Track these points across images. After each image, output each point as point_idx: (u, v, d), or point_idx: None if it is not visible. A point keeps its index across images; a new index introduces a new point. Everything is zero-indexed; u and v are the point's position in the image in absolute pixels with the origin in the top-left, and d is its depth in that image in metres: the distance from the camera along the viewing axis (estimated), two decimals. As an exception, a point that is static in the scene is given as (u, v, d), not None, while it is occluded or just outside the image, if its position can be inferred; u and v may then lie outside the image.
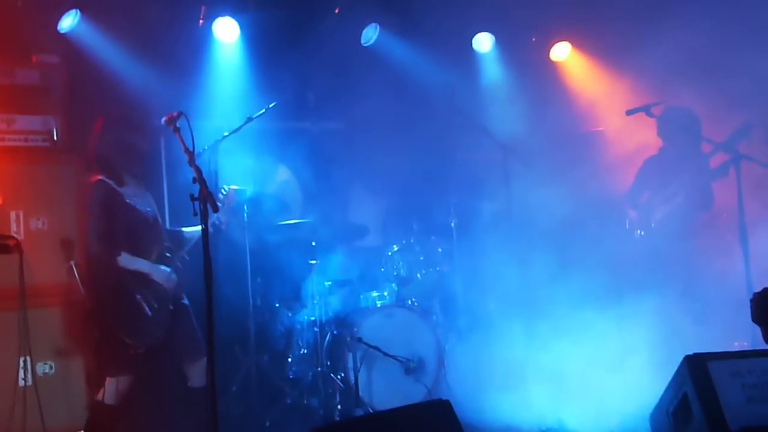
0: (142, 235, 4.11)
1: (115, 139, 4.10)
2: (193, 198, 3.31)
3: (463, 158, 7.09)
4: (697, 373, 3.74)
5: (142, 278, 4.04)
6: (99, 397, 4.03)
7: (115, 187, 4.07)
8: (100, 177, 4.07)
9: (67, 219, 5.24)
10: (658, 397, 4.16)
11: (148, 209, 4.20)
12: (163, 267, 4.13)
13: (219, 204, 3.60)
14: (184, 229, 4.46)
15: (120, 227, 4.03)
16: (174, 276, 4.13)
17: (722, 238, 5.84)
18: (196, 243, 4.22)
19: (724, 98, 5.62)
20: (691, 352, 4.07)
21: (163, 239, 4.24)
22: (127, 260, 4.01)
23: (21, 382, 4.92)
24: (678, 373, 3.92)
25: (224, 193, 4.44)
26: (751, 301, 2.99)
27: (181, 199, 3.44)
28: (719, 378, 3.72)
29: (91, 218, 4.00)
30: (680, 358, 3.89)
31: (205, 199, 3.27)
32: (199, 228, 4.17)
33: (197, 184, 3.34)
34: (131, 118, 4.23)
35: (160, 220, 4.29)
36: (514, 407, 5.05)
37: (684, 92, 5.77)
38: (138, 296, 3.99)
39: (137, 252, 4.05)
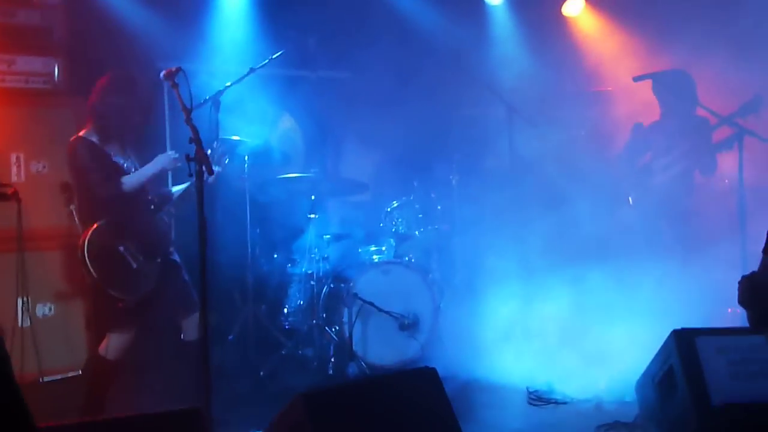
0: None
1: (114, 101, 4.09)
2: (189, 158, 3.30)
3: (466, 114, 7.02)
4: (683, 347, 3.81)
5: (136, 222, 4.07)
6: (100, 351, 4.09)
7: (97, 142, 4.08)
8: (81, 134, 4.08)
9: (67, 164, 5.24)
10: (646, 364, 4.24)
11: (130, 167, 4.21)
12: (160, 155, 4.19)
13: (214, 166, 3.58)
14: (173, 188, 4.47)
15: (110, 170, 4.07)
16: (177, 159, 4.16)
17: (722, 204, 5.83)
18: (189, 195, 4.22)
19: (740, 70, 5.52)
20: (683, 319, 4.15)
21: (147, 193, 4.24)
22: (130, 180, 4.07)
23: (20, 323, 5.01)
24: (665, 345, 3.99)
25: (214, 145, 4.43)
26: (738, 283, 2.98)
27: (183, 151, 3.43)
28: (705, 353, 3.79)
29: (86, 171, 4.02)
30: (671, 327, 3.95)
31: (201, 160, 3.26)
32: (184, 185, 4.26)
33: (194, 143, 3.31)
34: (134, 82, 4.18)
35: None
36: (504, 367, 5.14)
37: (697, 59, 5.66)
38: (121, 248, 4.00)
39: (122, 205, 4.07)
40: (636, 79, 5.40)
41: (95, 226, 3.96)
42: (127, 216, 4.09)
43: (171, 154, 4.22)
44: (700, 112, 5.49)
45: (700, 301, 5.20)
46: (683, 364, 3.77)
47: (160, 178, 4.38)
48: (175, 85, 3.59)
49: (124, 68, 4.41)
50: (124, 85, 4.16)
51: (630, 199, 5.81)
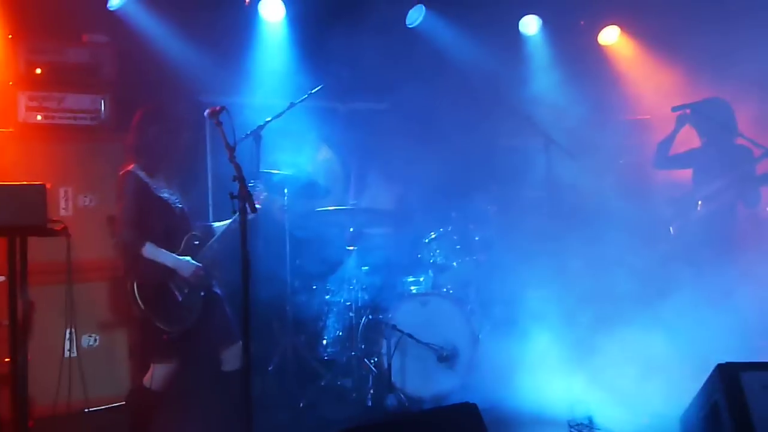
0: (169, 224, 4.20)
1: (153, 132, 4.19)
2: (232, 196, 3.37)
3: (504, 145, 7.05)
4: (728, 382, 3.74)
5: (167, 268, 4.13)
6: (144, 381, 4.16)
7: (145, 178, 4.16)
8: (130, 168, 4.17)
9: (113, 196, 5.32)
10: (690, 400, 4.18)
11: (177, 201, 4.29)
12: (187, 259, 4.18)
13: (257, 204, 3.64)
14: (214, 223, 4.55)
15: (149, 216, 4.13)
16: (202, 271, 4.19)
17: (766, 235, 5.76)
18: (231, 232, 4.28)
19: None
20: (726, 357, 4.08)
21: (191, 229, 4.32)
22: (151, 251, 4.09)
23: (66, 354, 5.12)
24: (710, 380, 3.92)
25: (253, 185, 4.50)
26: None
27: (225, 196, 3.50)
28: (751, 389, 3.71)
29: (123, 207, 4.11)
30: (716, 361, 3.88)
31: (244, 198, 3.33)
32: (227, 222, 4.32)
33: (236, 181, 3.39)
34: (170, 113, 4.28)
35: (187, 213, 4.37)
36: (545, 399, 5.10)
37: (735, 89, 5.64)
38: (169, 282, 4.09)
39: (165, 241, 4.15)
40: (674, 109, 5.39)
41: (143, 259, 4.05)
42: (172, 250, 4.17)
43: (198, 267, 4.19)
44: (742, 141, 5.44)
45: (745, 335, 5.13)
46: (728, 400, 3.70)
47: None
48: (219, 123, 3.68)
49: (155, 101, 4.49)
50: (157, 117, 4.25)
51: (671, 228, 5.76)
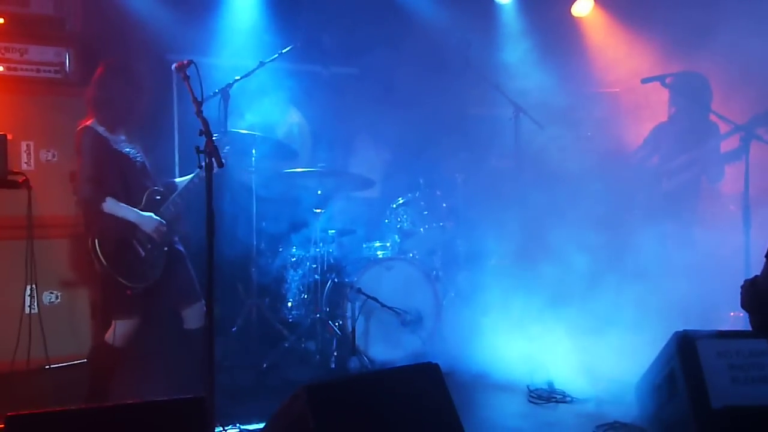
0: (129, 179, 4.16)
1: (112, 88, 4.12)
2: (198, 150, 3.33)
3: (473, 113, 7.04)
4: (684, 349, 3.82)
5: (129, 223, 4.09)
6: (106, 338, 4.13)
7: (103, 133, 4.10)
8: (88, 124, 4.10)
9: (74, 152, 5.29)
10: (646, 366, 4.27)
11: (137, 156, 4.24)
12: (149, 215, 4.14)
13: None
14: (177, 179, 4.50)
15: (107, 171, 4.08)
16: (164, 227, 4.15)
17: (727, 210, 5.85)
18: (195, 186, 4.24)
19: (749, 76, 5.53)
20: (686, 321, 4.17)
21: (153, 184, 4.27)
22: (112, 206, 4.05)
23: (27, 310, 5.06)
24: (667, 347, 4.01)
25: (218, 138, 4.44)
26: (741, 288, 3.02)
27: (191, 153, 3.45)
28: (706, 356, 3.80)
29: (81, 163, 4.06)
30: (673, 329, 3.97)
31: (211, 152, 3.29)
32: (189, 177, 4.27)
33: (203, 136, 3.34)
34: (131, 68, 4.21)
35: (148, 167, 4.32)
36: (505, 365, 5.18)
37: (705, 63, 5.67)
38: (132, 238, 4.06)
39: (126, 196, 4.10)
40: (644, 81, 5.40)
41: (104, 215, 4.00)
42: (133, 205, 4.13)
43: (160, 222, 4.16)
44: (712, 117, 5.49)
45: (703, 304, 5.24)
46: (684, 367, 3.79)
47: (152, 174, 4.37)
48: (186, 78, 3.62)
49: (118, 56, 4.41)
50: (119, 72, 4.18)
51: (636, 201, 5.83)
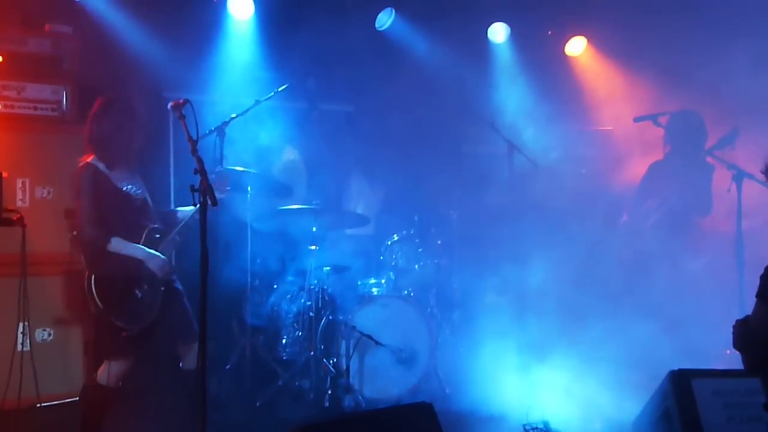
0: (129, 217, 4.13)
1: (110, 123, 4.11)
2: (193, 189, 3.34)
3: (468, 151, 7.10)
4: (680, 388, 3.81)
5: (133, 262, 4.07)
6: (98, 378, 4.09)
7: (103, 170, 4.09)
8: (88, 160, 4.10)
9: (71, 189, 5.29)
10: (642, 405, 4.24)
11: (138, 191, 4.23)
12: (156, 253, 4.12)
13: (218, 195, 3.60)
14: (178, 209, 4.49)
15: (108, 210, 4.06)
16: (168, 266, 4.14)
17: (719, 244, 5.87)
18: (194, 222, 4.23)
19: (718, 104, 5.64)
20: (681, 360, 4.15)
21: (153, 221, 4.25)
22: (118, 245, 4.02)
23: (19, 347, 5.02)
24: (662, 386, 3.99)
25: (216, 171, 4.46)
26: (733, 327, 3.02)
27: (187, 181, 3.46)
28: (702, 395, 3.79)
29: (82, 202, 4.03)
30: (668, 367, 3.96)
31: (206, 191, 3.30)
32: (189, 208, 4.26)
33: (198, 174, 3.36)
34: (128, 104, 4.22)
35: (149, 202, 4.30)
36: (500, 404, 5.14)
37: (693, 99, 5.76)
38: (128, 279, 4.02)
39: (126, 234, 4.07)
40: (637, 119, 5.47)
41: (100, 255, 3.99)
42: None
43: (165, 261, 4.15)
44: (708, 158, 5.54)
45: (698, 342, 5.23)
46: (679, 406, 3.78)
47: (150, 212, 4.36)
48: (182, 117, 3.64)
49: (114, 92, 4.42)
50: (116, 108, 4.17)
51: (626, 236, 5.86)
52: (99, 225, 4.01)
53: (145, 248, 4.10)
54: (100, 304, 3.91)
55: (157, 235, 4.22)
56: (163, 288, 4.17)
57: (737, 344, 3.00)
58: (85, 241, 4.06)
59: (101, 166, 4.09)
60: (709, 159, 5.43)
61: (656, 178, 5.85)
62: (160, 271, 4.11)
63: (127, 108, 4.19)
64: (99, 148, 4.12)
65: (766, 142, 4.71)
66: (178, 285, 4.34)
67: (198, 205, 3.36)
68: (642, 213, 5.84)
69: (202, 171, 3.37)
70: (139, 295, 4.05)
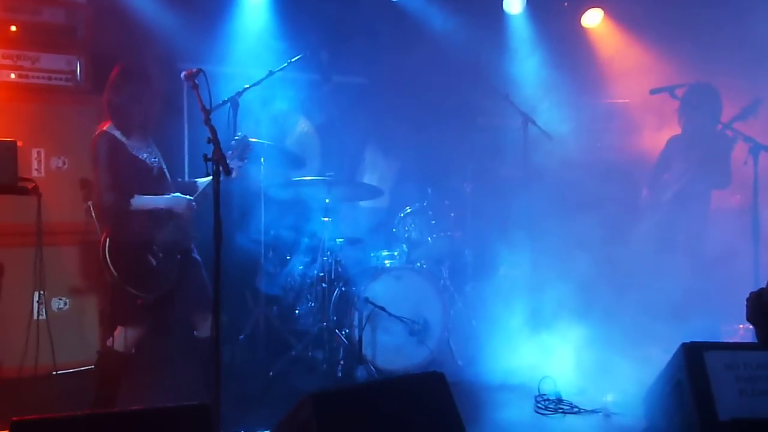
0: (146, 185, 4.13)
1: (128, 90, 4.09)
2: (206, 158, 3.34)
3: (483, 123, 7.05)
4: (692, 361, 3.81)
5: (150, 229, 4.08)
6: (109, 343, 4.13)
7: (120, 137, 4.09)
8: (105, 128, 4.09)
9: (87, 159, 5.26)
10: (654, 377, 4.25)
11: (153, 160, 4.22)
12: (177, 195, 4.15)
13: (230, 164, 3.59)
14: (198, 180, 4.49)
15: (125, 176, 4.06)
16: (193, 204, 4.17)
17: (735, 220, 5.83)
18: (208, 191, 4.23)
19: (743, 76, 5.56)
20: (695, 334, 4.14)
21: (170, 190, 4.25)
22: (139, 201, 4.04)
23: (35, 316, 5.09)
24: (674, 358, 3.98)
25: (237, 138, 4.43)
26: (746, 300, 3.01)
27: (201, 152, 3.46)
28: (714, 368, 3.78)
29: (100, 169, 4.03)
30: (682, 339, 3.95)
31: (218, 161, 3.31)
32: (209, 179, 4.22)
33: (211, 144, 3.36)
34: (146, 72, 4.20)
35: (166, 171, 4.30)
36: (513, 375, 5.16)
37: (710, 70, 5.69)
38: (144, 247, 4.04)
39: None
40: (653, 91, 5.41)
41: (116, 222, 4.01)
42: (146, 213, 4.11)
43: (189, 199, 4.19)
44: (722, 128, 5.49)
45: (712, 317, 5.21)
46: (691, 378, 3.77)
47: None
48: (195, 86, 3.64)
49: (133, 59, 4.39)
50: (135, 74, 4.15)
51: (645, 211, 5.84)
52: (117, 190, 4.01)
53: (165, 196, 4.13)
54: (115, 272, 3.93)
55: None
56: (179, 256, 4.19)
57: (751, 317, 3.00)
58: (104, 207, 4.06)
59: (117, 133, 4.09)
60: (728, 132, 5.37)
61: (674, 152, 5.81)
62: (188, 211, 4.15)
63: (145, 75, 4.17)
64: (116, 115, 4.11)
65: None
66: (196, 255, 4.35)
67: (211, 176, 3.36)
68: (661, 186, 5.80)
69: (215, 140, 3.38)
70: (154, 263, 4.07)
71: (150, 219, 4.10)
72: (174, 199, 4.15)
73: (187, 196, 4.18)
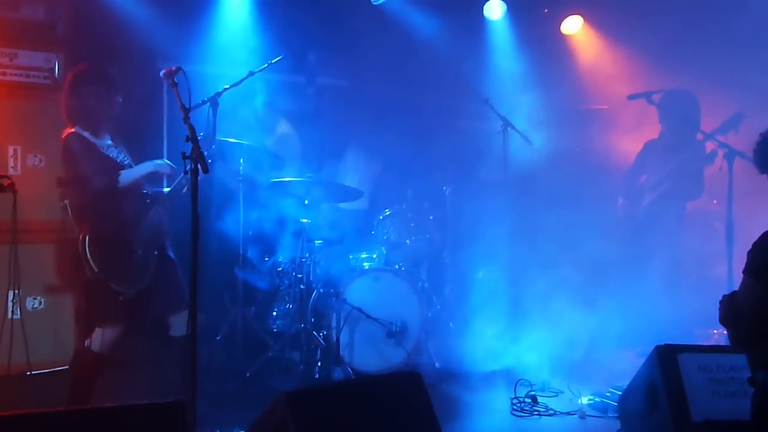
0: None
1: (85, 94, 4.10)
2: (184, 156, 3.33)
3: (462, 126, 7.08)
4: (666, 363, 3.84)
5: (137, 208, 4.09)
6: (86, 343, 4.10)
7: (90, 138, 4.09)
8: (73, 129, 4.08)
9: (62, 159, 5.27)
10: (629, 379, 4.28)
11: (125, 160, 4.23)
12: (160, 160, 4.25)
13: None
14: (164, 189, 4.48)
15: (105, 165, 4.09)
16: (171, 164, 4.24)
17: (710, 226, 5.91)
18: (181, 189, 4.24)
19: (726, 88, 5.62)
20: (669, 337, 4.19)
21: (142, 187, 4.25)
22: (126, 175, 4.09)
23: (9, 315, 5.03)
24: (648, 360, 4.02)
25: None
26: (719, 303, 3.04)
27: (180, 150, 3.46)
28: (687, 370, 3.82)
29: (80, 162, 4.02)
30: (656, 343, 3.99)
31: (197, 158, 3.30)
32: (175, 182, 4.27)
33: (189, 142, 3.35)
34: (103, 71, 4.19)
35: None
36: (489, 377, 5.19)
37: (690, 79, 5.76)
38: (123, 241, 4.02)
39: (117, 199, 4.08)
40: (631, 97, 5.47)
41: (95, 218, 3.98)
42: (123, 209, 4.10)
43: (170, 164, 4.26)
44: (699, 136, 5.55)
45: (686, 322, 5.27)
46: (665, 380, 3.80)
47: (156, 179, 4.39)
48: (175, 85, 3.63)
49: (89, 62, 4.38)
50: (89, 77, 4.15)
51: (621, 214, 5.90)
52: (104, 171, 4.03)
53: (147, 162, 4.20)
54: (95, 267, 3.91)
55: (147, 200, 4.22)
56: (156, 253, 4.18)
57: (723, 319, 3.02)
58: (101, 192, 4.02)
59: (87, 134, 4.09)
60: (709, 144, 5.42)
61: (650, 155, 5.87)
62: (168, 169, 4.23)
63: (101, 76, 4.16)
64: (79, 117, 4.10)
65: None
66: (171, 253, 4.33)
67: (186, 173, 3.34)
68: (636, 189, 5.86)
69: (193, 138, 3.36)
70: (134, 258, 4.06)
71: (133, 205, 4.12)
72: (155, 164, 4.23)
73: (166, 160, 4.27)
